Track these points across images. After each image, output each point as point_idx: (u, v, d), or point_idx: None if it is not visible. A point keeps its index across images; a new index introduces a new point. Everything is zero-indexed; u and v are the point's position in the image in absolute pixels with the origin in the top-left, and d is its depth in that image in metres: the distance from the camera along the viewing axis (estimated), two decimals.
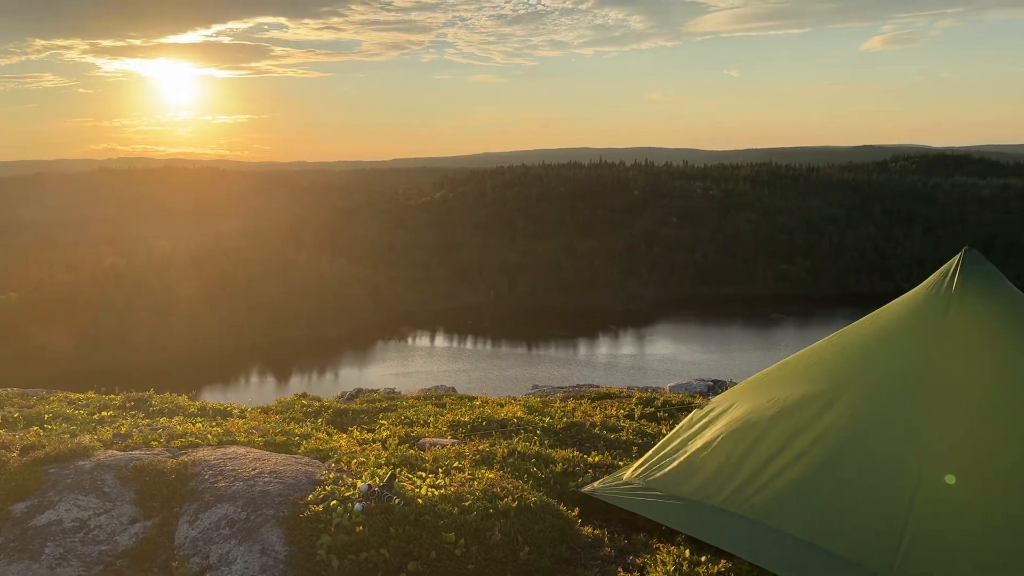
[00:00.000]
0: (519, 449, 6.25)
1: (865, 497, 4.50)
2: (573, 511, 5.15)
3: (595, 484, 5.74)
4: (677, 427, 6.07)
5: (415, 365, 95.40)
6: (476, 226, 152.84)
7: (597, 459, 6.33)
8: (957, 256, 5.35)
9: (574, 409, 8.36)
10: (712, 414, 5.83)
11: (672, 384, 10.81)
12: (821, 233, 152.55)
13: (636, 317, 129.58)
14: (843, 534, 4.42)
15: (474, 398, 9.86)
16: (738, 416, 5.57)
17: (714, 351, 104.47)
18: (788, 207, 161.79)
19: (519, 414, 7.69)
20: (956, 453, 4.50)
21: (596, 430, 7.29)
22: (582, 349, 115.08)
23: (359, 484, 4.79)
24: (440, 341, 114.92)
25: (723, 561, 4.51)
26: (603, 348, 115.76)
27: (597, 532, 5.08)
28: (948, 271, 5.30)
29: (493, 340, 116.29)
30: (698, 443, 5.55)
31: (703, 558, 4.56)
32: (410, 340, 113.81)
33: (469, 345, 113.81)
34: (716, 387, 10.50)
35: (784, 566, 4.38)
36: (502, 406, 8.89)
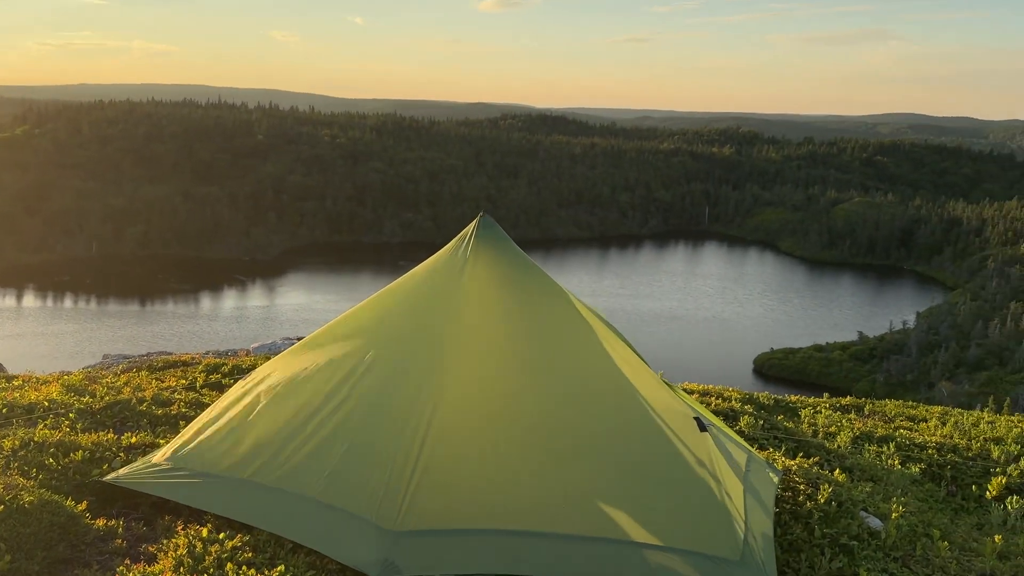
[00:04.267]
0: (36, 439, 5.52)
1: (380, 452, 4.73)
2: (82, 505, 4.68)
3: (122, 469, 5.30)
4: (220, 398, 5.86)
5: None
6: (72, 167, 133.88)
7: (134, 440, 5.85)
8: (474, 221, 5.85)
9: (126, 383, 7.67)
10: (253, 382, 5.72)
11: (255, 345, 10.51)
12: (442, 183, 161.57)
13: (265, 267, 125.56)
14: (358, 492, 4.59)
15: (14, 377, 8.55)
16: (276, 383, 5.51)
17: (346, 300, 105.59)
18: (412, 158, 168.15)
19: (53, 395, 6.82)
20: (462, 401, 4.93)
21: (143, 406, 6.75)
22: (206, 303, 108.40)
23: None
24: (30, 302, 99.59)
25: (239, 536, 4.44)
26: (229, 301, 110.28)
27: (112, 523, 4.69)
28: (467, 234, 5.76)
29: (99, 297, 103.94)
30: (233, 414, 5.40)
31: (222, 535, 4.45)
32: None
33: (68, 304, 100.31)
34: None
35: (299, 532, 4.44)
36: (48, 384, 7.85)
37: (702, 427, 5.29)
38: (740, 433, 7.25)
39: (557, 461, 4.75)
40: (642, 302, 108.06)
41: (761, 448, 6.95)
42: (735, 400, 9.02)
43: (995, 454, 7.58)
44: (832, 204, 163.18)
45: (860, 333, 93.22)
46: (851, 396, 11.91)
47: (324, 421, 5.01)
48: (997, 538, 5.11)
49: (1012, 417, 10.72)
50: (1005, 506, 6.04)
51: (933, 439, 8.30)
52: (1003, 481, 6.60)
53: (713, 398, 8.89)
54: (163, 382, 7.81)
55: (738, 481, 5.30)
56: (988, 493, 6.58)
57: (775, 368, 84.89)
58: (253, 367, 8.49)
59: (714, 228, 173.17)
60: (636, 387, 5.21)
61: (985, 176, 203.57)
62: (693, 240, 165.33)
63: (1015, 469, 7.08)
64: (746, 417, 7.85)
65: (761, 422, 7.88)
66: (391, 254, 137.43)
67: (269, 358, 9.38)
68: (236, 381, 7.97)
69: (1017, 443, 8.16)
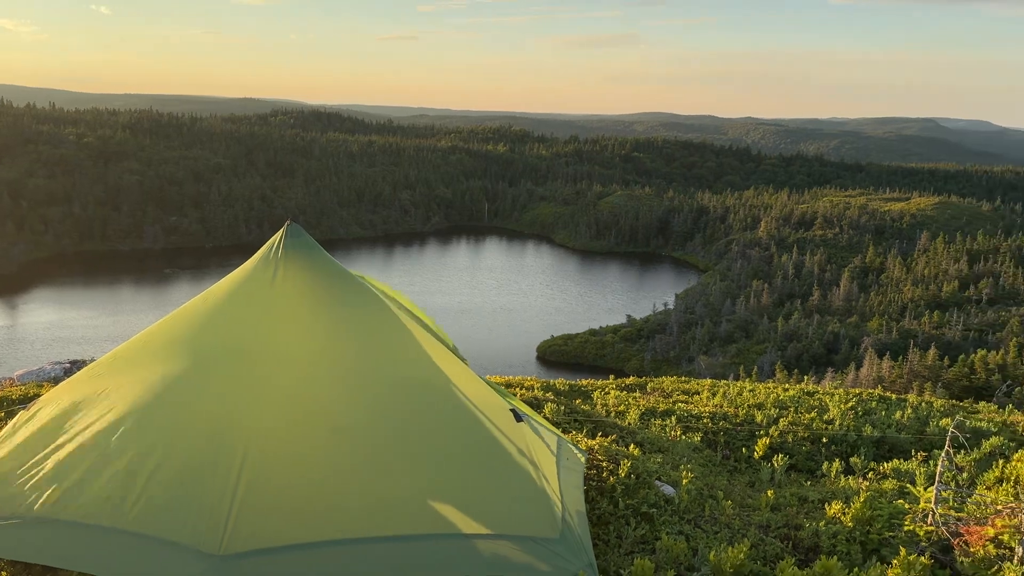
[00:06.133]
0: None
1: (197, 474, 4.53)
2: None
3: None
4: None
5: None
6: None
7: None
8: (281, 229, 5.72)
9: None
10: (39, 413, 5.22)
11: (20, 373, 9.43)
12: (209, 184, 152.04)
13: (4, 281, 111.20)
14: (175, 518, 4.38)
15: None
16: (69, 410, 5.08)
17: (106, 314, 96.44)
18: (174, 157, 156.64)
19: None
20: (281, 416, 4.84)
21: None
22: None
23: None
24: None
25: None
26: None
27: None
28: (274, 243, 5.63)
29: None
30: (17, 448, 4.90)
31: None
32: None
33: None
34: (74, 369, 9.53)
35: (109, 567, 4.16)
36: None
37: (518, 418, 5.60)
38: (547, 419, 7.70)
39: (383, 465, 4.82)
40: (432, 298, 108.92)
41: (565, 431, 7.44)
42: (537, 389, 9.54)
43: (758, 418, 8.68)
44: (598, 198, 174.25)
45: (628, 316, 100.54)
46: (633, 376, 12.96)
47: (129, 447, 4.71)
48: (769, 493, 5.90)
49: (768, 384, 12.24)
50: (772, 464, 6.96)
51: (707, 409, 9.31)
52: (767, 442, 7.59)
53: (518, 388, 9.35)
54: None
55: (552, 465, 5.68)
56: (756, 454, 7.54)
57: (556, 353, 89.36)
58: (26, 397, 7.67)
59: (494, 223, 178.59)
60: (455, 384, 5.40)
61: (727, 168, 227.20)
62: (475, 235, 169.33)
63: (776, 431, 8.17)
64: (550, 404, 8.35)
65: (563, 407, 8.41)
66: (154, 261, 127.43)
67: (42, 386, 8.51)
68: (8, 413, 7.18)
69: (776, 407, 9.39)
